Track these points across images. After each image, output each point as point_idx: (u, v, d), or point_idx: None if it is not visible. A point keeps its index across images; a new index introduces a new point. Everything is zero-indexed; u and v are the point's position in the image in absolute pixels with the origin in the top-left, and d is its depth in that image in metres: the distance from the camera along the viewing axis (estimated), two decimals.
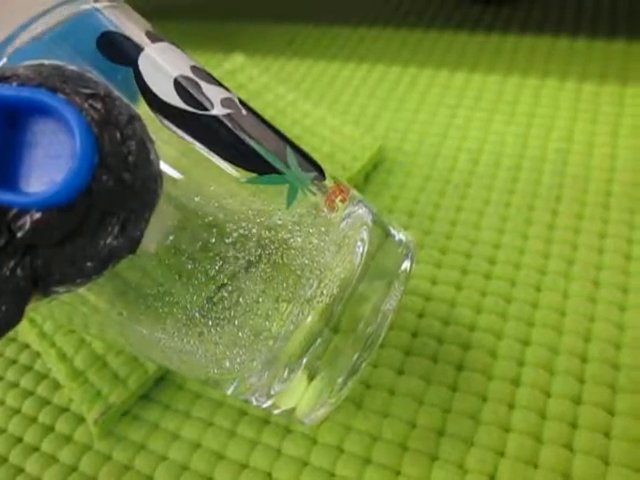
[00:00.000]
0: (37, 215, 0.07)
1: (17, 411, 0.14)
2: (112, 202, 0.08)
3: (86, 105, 0.08)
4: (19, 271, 0.08)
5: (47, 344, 0.13)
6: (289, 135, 0.12)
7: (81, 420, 0.13)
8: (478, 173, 0.17)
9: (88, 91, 0.08)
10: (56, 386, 0.14)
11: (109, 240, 0.08)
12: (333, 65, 0.22)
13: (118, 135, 0.08)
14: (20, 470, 0.13)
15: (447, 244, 0.15)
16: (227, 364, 0.11)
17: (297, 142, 0.12)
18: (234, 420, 0.13)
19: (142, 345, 0.11)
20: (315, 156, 0.12)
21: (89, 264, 0.08)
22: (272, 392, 0.11)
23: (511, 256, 0.15)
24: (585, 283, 0.14)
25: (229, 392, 0.11)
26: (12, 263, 0.08)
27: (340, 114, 0.19)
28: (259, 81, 0.18)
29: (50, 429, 0.13)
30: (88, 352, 0.13)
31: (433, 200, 0.16)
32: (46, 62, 0.09)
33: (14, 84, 0.08)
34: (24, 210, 0.07)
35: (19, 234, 0.08)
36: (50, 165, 0.07)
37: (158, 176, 0.08)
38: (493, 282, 0.14)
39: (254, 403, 0.11)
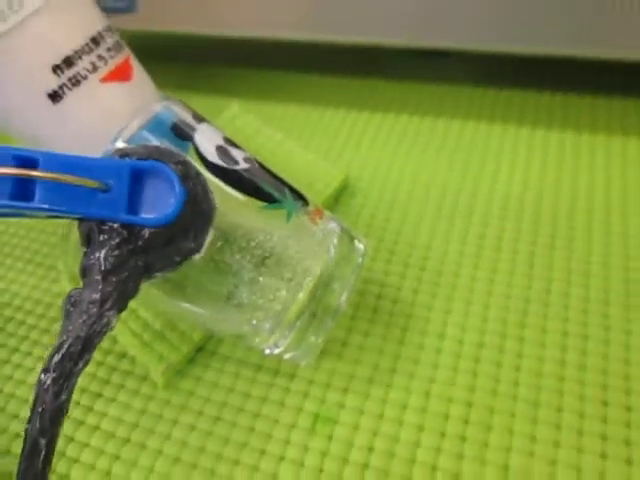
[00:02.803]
0: (151, 230, 0.14)
1: (94, 376, 0.20)
2: (191, 222, 0.14)
3: (175, 167, 0.14)
4: (140, 262, 0.14)
5: (122, 327, 0.19)
6: (279, 169, 0.18)
7: (143, 379, 0.19)
8: (417, 196, 0.23)
9: (175, 159, 0.14)
10: (122, 356, 0.20)
11: (188, 244, 0.14)
12: (315, 110, 0.28)
13: (192, 184, 0.14)
14: (104, 414, 0.19)
15: (394, 247, 0.22)
16: (251, 326, 0.17)
17: (286, 176, 0.18)
18: (255, 370, 0.19)
19: (195, 317, 0.17)
20: (298, 185, 0.18)
21: (176, 258, 0.14)
22: (279, 345, 0.17)
23: (440, 250, 0.21)
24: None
25: (252, 345, 0.17)
26: (136, 258, 0.14)
27: (315, 151, 0.25)
28: (253, 125, 0.25)
29: (121, 386, 0.19)
30: (152, 330, 0.19)
31: (384, 216, 0.23)
32: (147, 144, 0.15)
33: (135, 157, 0.14)
34: (145, 226, 0.14)
35: (140, 241, 0.14)
36: (158, 202, 0.13)
37: (213, 206, 0.15)
38: (428, 270, 0.21)
39: (267, 352, 0.17)
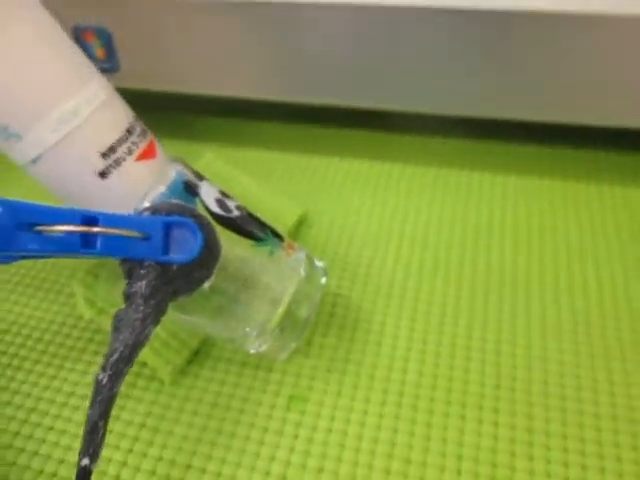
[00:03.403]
0: (179, 266, 0.19)
1: None
2: (205, 259, 0.20)
3: (194, 219, 0.19)
4: (169, 289, 0.19)
5: None
6: (251, 208, 0.24)
7: (152, 378, 0.24)
8: (366, 228, 0.30)
9: (193, 213, 0.20)
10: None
11: (202, 275, 0.20)
12: (282, 156, 0.34)
13: (206, 231, 0.20)
14: (122, 408, 0.24)
15: (345, 266, 0.28)
16: (242, 333, 0.22)
17: (257, 213, 0.24)
18: (241, 366, 0.24)
19: (199, 328, 0.23)
20: (265, 218, 0.24)
21: (194, 285, 0.20)
22: (262, 347, 0.23)
23: (381, 267, 0.28)
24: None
25: (241, 347, 0.23)
26: (167, 286, 0.19)
27: (280, 191, 0.31)
28: (227, 171, 0.30)
29: (133, 385, 0.24)
30: (159, 339, 0.24)
31: (337, 242, 0.29)
32: (170, 201, 0.20)
33: (164, 213, 0.19)
34: (174, 263, 0.19)
35: (170, 274, 0.19)
36: (183, 245, 0.19)
37: (220, 246, 0.20)
38: (371, 283, 0.27)
39: (252, 352, 0.23)
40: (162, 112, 0.36)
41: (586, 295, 0.27)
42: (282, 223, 0.28)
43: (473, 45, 0.27)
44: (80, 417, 0.24)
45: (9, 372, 0.25)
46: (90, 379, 0.25)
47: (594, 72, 0.27)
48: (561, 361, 0.24)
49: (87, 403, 0.19)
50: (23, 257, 0.19)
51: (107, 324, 0.25)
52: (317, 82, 0.29)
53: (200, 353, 0.25)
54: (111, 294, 0.23)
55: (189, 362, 0.25)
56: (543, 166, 0.34)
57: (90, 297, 0.25)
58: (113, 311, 0.20)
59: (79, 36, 0.31)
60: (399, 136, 0.36)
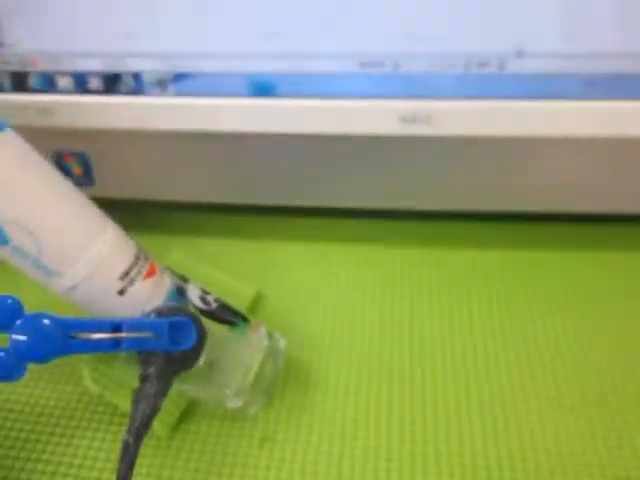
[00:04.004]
0: (180, 352, 0.26)
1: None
2: (198, 345, 0.27)
3: (189, 317, 0.27)
4: (174, 370, 0.26)
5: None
6: (218, 293, 0.31)
7: (151, 436, 0.31)
8: (309, 307, 0.38)
9: (188, 312, 0.27)
10: None
11: (197, 356, 0.27)
12: (239, 243, 0.42)
13: (198, 325, 0.27)
14: None
15: (299, 335, 0.36)
16: (222, 394, 0.30)
17: (225, 298, 0.31)
18: (221, 419, 0.32)
19: (188, 393, 0.30)
20: (230, 300, 0.31)
21: (191, 365, 0.27)
22: (237, 403, 0.30)
23: (326, 335, 0.36)
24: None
25: (221, 404, 0.30)
26: (173, 368, 0.26)
27: (238, 275, 0.39)
28: (192, 263, 0.37)
29: None
30: None
31: (290, 315, 0.37)
32: (169, 304, 0.27)
33: (167, 314, 0.26)
34: (177, 350, 0.26)
35: (175, 359, 0.26)
36: (183, 337, 0.26)
37: (206, 334, 0.28)
38: (315, 350, 0.35)
39: (230, 407, 0.30)
40: (131, 211, 0.43)
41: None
42: (240, 302, 0.36)
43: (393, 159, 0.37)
44: (95, 474, 0.30)
45: (29, 445, 0.31)
46: (98, 444, 0.31)
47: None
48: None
49: (100, 463, 0.25)
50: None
51: (110, 397, 0.32)
52: (264, 188, 0.38)
53: (188, 412, 0.32)
54: (127, 374, 0.29)
55: (180, 420, 0.32)
56: (484, 240, 0.42)
57: (95, 376, 0.32)
58: (113, 387, 0.27)
59: (60, 159, 0.37)
60: (347, 220, 0.44)
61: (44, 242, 0.25)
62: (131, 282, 0.27)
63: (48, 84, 0.36)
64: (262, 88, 0.35)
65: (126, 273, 0.26)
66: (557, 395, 0.33)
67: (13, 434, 0.32)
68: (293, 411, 0.32)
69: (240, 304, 0.35)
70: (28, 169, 0.26)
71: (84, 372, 0.32)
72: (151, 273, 0.27)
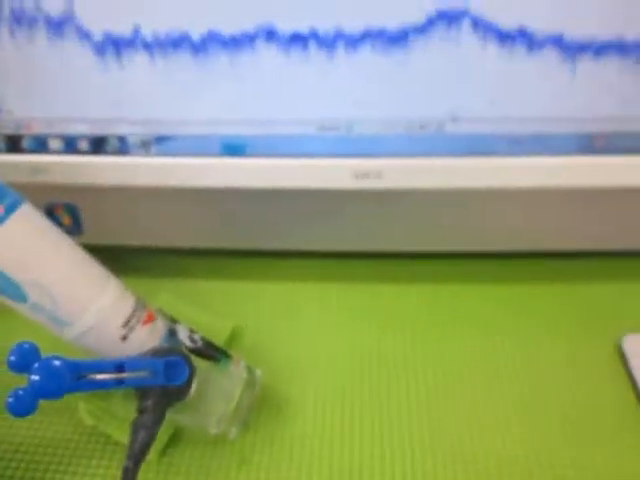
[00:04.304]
0: (176, 386, 0.31)
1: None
2: (189, 380, 0.31)
3: (181, 356, 0.31)
4: (169, 401, 0.31)
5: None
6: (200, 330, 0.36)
7: None
8: (284, 340, 0.43)
9: (180, 352, 0.31)
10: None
11: (189, 388, 0.32)
12: (220, 286, 0.46)
13: (189, 362, 0.31)
14: None
15: (274, 367, 0.40)
16: (207, 421, 0.34)
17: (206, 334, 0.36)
18: (204, 444, 0.36)
19: (176, 421, 0.34)
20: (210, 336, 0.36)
21: (183, 398, 0.32)
22: (219, 429, 0.35)
23: (298, 368, 0.40)
24: None
25: (204, 430, 0.34)
26: (167, 400, 0.31)
27: (218, 312, 0.43)
28: (175, 303, 0.42)
29: None
30: None
31: (267, 349, 0.41)
32: (163, 346, 0.32)
33: (162, 354, 0.31)
34: (174, 385, 0.31)
35: (169, 392, 0.31)
36: (177, 373, 0.31)
37: (195, 369, 0.32)
38: (285, 380, 0.40)
39: (213, 432, 0.35)
40: (116, 256, 0.47)
41: None
42: (219, 337, 0.40)
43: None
44: None
45: (29, 474, 0.35)
46: (93, 470, 0.35)
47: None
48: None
49: None
50: None
51: (104, 428, 0.35)
52: (241, 234, 0.42)
53: (175, 438, 0.36)
54: (126, 407, 0.33)
55: (167, 445, 0.36)
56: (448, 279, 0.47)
57: (90, 408, 0.35)
58: (106, 418, 0.31)
59: (51, 211, 0.41)
60: (316, 261, 0.49)
61: (57, 298, 0.29)
62: (132, 329, 0.31)
63: (40, 146, 0.40)
64: (233, 149, 0.40)
65: (127, 321, 0.31)
66: (515, 420, 0.37)
67: (13, 464, 0.35)
68: (268, 436, 0.37)
69: (219, 338, 0.40)
70: (43, 235, 0.30)
71: (80, 405, 0.35)
72: (148, 320, 0.32)
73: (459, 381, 0.39)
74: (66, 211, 0.41)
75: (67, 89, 0.39)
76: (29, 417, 0.36)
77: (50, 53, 0.38)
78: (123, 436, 0.34)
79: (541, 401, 0.38)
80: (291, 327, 0.44)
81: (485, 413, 0.37)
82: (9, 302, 0.29)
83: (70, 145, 0.40)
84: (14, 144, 0.40)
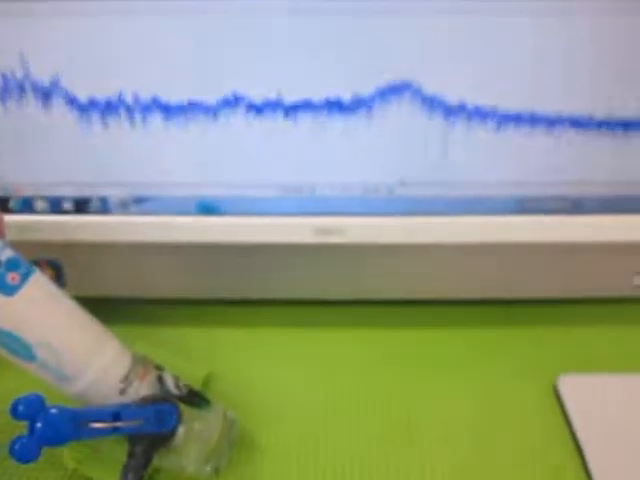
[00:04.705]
0: (164, 433, 0.34)
1: None
2: (177, 426, 0.35)
3: (170, 403, 0.35)
4: (157, 445, 0.34)
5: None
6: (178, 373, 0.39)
7: None
8: (257, 385, 0.47)
9: (166, 399, 0.35)
10: None
11: (173, 434, 0.35)
12: (195, 333, 0.50)
13: (177, 408, 0.35)
14: None
15: (247, 410, 0.44)
16: (187, 462, 0.38)
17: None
18: None
19: (157, 462, 0.38)
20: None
21: (169, 443, 0.35)
22: (199, 469, 0.38)
23: (267, 412, 0.45)
24: None
25: (184, 471, 0.38)
26: (156, 444, 0.34)
27: (194, 359, 0.46)
28: (153, 351, 0.45)
29: None
30: None
31: (240, 393, 0.45)
32: (152, 394, 0.35)
33: (152, 402, 0.34)
34: (165, 432, 0.34)
35: (160, 437, 0.34)
36: (166, 419, 0.34)
37: (181, 414, 0.36)
38: (255, 425, 0.44)
39: (189, 472, 0.38)
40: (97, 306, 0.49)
41: None
42: (195, 382, 0.44)
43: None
44: None
45: None
46: None
47: None
48: None
49: None
50: None
51: (86, 471, 0.38)
52: (213, 284, 0.47)
53: (154, 477, 0.39)
54: (115, 450, 0.36)
55: None
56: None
57: (74, 454, 0.38)
58: (88, 462, 0.34)
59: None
60: (283, 308, 0.52)
61: (63, 357, 0.32)
62: (130, 383, 0.34)
63: (27, 207, 0.43)
64: (207, 208, 0.45)
65: (126, 377, 0.34)
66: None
67: None
68: (245, 475, 0.40)
69: (195, 383, 0.43)
70: (52, 300, 0.33)
71: (64, 451, 0.38)
72: (145, 374, 0.35)
73: (415, 426, 0.43)
74: (50, 266, 0.44)
75: (54, 154, 0.42)
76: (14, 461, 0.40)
77: (38, 119, 0.42)
78: (105, 477, 0.37)
79: (476, 441, 0.42)
80: (263, 372, 0.47)
81: (440, 461, 0.40)
82: (18, 361, 0.32)
83: (55, 206, 0.43)
84: (1, 205, 0.43)
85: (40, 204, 0.43)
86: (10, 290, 0.31)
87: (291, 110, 0.41)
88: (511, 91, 0.42)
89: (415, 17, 0.39)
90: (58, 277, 0.45)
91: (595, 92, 0.42)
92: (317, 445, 0.42)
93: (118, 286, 0.46)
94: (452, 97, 0.41)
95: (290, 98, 0.41)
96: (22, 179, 0.43)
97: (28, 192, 0.43)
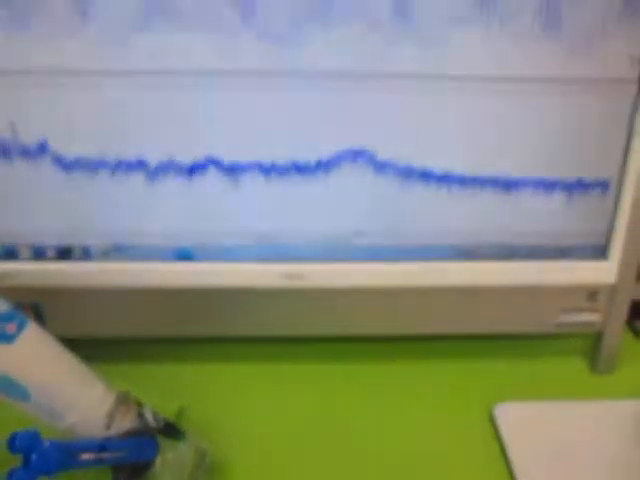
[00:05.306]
0: (144, 463, 0.38)
1: None
2: (156, 456, 0.39)
3: (150, 435, 0.38)
4: (139, 473, 0.38)
5: None
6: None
7: None
8: (229, 419, 0.50)
9: (147, 431, 0.39)
10: None
11: (154, 462, 0.39)
12: (167, 370, 0.53)
13: (157, 440, 0.39)
14: None
15: (222, 441, 0.47)
16: None
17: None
18: None
19: None
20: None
21: (147, 470, 0.39)
22: None
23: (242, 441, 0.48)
24: None
25: None
26: (140, 471, 0.37)
27: (167, 394, 0.50)
28: (130, 389, 0.48)
29: None
30: None
31: (207, 422, 0.49)
32: (134, 427, 0.39)
33: (134, 434, 0.38)
34: (145, 461, 0.38)
35: (142, 465, 0.38)
36: (147, 450, 0.38)
37: (159, 444, 0.39)
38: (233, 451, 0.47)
39: None
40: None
41: None
42: (168, 415, 0.47)
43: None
44: None
45: None
46: None
47: None
48: None
49: None
50: None
51: None
52: (188, 323, 0.50)
53: None
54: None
55: None
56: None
57: None
58: None
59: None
60: (254, 345, 0.56)
61: (55, 396, 0.35)
62: (114, 419, 0.37)
63: (10, 254, 0.46)
64: (184, 255, 0.49)
65: (110, 414, 0.37)
66: None
67: None
68: None
69: (168, 414, 0.47)
70: (46, 346, 0.36)
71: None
72: (127, 410, 0.38)
73: (364, 455, 0.47)
74: (31, 308, 0.47)
75: (39, 208, 0.46)
76: None
77: (25, 176, 0.45)
78: None
79: (414, 469, 0.46)
80: (235, 405, 0.51)
81: None
82: (12, 401, 0.35)
83: (39, 254, 0.47)
84: None
85: (24, 252, 0.47)
86: (10, 339, 0.34)
87: (265, 171, 0.47)
88: (457, 158, 0.49)
89: (372, 93, 0.45)
90: (38, 319, 0.47)
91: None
92: (284, 474, 0.45)
93: (97, 327, 0.50)
94: (402, 161, 0.48)
95: (265, 161, 0.46)
96: (7, 229, 0.46)
97: (13, 241, 0.46)
